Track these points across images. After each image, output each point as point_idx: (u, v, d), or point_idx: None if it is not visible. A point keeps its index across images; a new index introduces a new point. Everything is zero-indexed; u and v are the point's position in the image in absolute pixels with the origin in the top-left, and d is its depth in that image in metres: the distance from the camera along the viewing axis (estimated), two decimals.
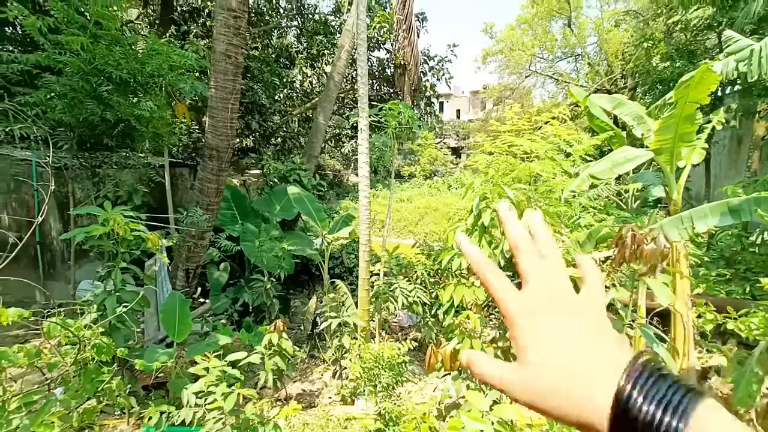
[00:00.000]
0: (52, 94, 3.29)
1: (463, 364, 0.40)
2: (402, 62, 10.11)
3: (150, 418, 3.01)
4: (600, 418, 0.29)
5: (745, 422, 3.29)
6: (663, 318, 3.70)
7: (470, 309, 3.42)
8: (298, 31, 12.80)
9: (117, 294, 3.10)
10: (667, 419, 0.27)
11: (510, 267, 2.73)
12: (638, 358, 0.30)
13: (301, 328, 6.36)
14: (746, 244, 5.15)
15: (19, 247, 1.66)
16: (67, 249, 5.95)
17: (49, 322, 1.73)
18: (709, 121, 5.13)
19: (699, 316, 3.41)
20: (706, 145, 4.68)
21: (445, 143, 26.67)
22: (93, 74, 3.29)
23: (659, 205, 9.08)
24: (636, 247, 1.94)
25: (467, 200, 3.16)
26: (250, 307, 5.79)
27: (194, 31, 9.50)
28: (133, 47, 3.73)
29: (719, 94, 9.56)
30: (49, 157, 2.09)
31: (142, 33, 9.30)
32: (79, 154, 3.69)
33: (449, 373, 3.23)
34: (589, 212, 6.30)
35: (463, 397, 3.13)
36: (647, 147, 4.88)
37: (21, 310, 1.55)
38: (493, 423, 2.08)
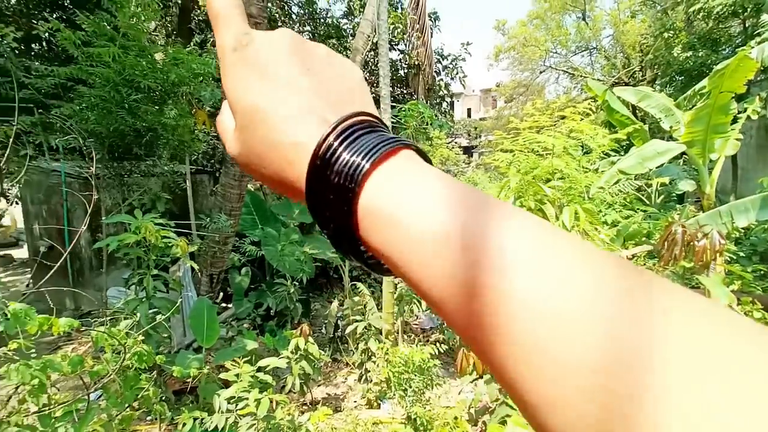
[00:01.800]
0: (84, 105, 3.37)
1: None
2: (416, 62, 10.06)
3: (184, 424, 3.03)
4: (300, 172, 0.25)
5: None
6: None
7: None
8: (311, 36, 12.89)
9: (149, 301, 3.13)
10: (358, 160, 0.24)
11: None
12: (357, 116, 0.26)
13: (323, 331, 6.36)
14: None
15: (64, 257, 1.68)
16: (95, 257, 6.09)
17: (97, 331, 1.74)
18: (741, 111, 4.92)
19: (744, 315, 3.26)
20: (741, 136, 4.50)
21: (456, 143, 26.46)
22: (122, 84, 3.36)
23: (686, 200, 8.78)
24: (687, 244, 1.85)
25: (502, 199, 3.09)
26: (273, 311, 5.82)
27: (211, 39, 9.65)
28: (153, 57, 3.80)
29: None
30: (92, 167, 2.13)
31: (160, 43, 9.49)
32: (108, 164, 3.77)
33: (481, 377, 3.17)
34: (614, 208, 6.13)
35: (497, 400, 3.06)
36: (677, 140, 4.72)
37: (72, 320, 1.56)
38: None
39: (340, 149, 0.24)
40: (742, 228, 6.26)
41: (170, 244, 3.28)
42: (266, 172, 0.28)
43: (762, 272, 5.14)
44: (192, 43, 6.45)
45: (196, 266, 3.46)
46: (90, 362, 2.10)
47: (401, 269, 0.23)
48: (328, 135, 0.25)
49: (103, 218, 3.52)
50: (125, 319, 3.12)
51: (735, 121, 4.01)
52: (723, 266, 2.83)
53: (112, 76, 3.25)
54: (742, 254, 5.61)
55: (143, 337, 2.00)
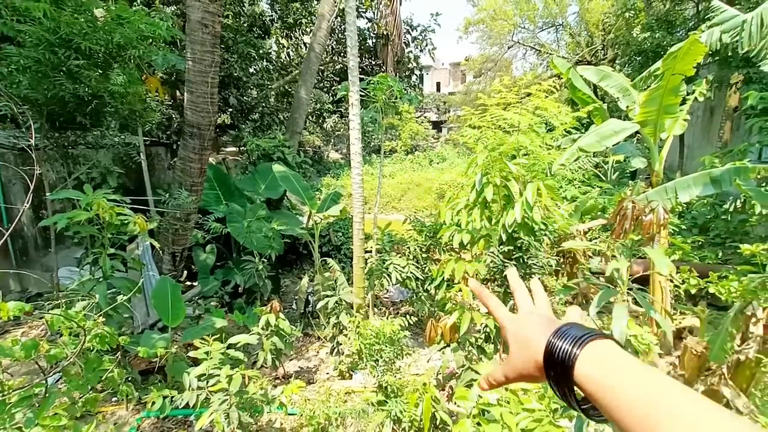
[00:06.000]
0: (14, 67, 2.97)
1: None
2: (385, 32, 9.72)
3: (153, 402, 2.98)
4: (541, 360, 0.47)
5: (717, 377, 3.59)
6: (641, 283, 3.91)
7: (461, 282, 3.50)
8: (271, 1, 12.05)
9: (107, 281, 2.97)
10: (568, 348, 0.44)
11: (510, 242, 2.79)
12: (566, 324, 0.48)
13: (293, 307, 6.36)
14: (719, 212, 5.43)
15: (4, 237, 1.53)
16: (41, 235, 5.64)
17: (52, 314, 1.64)
18: (689, 93, 5.22)
19: (683, 282, 3.62)
20: (688, 117, 4.80)
21: (425, 117, 26.36)
22: (59, 45, 2.98)
23: (638, 176, 9.38)
24: (636, 218, 2.00)
25: (470, 175, 3.15)
26: (241, 289, 5.72)
27: None
28: (92, 14, 3.39)
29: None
30: (32, 139, 1.91)
31: None
32: (49, 134, 3.40)
33: (448, 345, 3.33)
34: (574, 185, 6.44)
35: (463, 366, 3.25)
36: (632, 119, 4.97)
37: (22, 304, 1.45)
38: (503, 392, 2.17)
39: (558, 342, 0.46)
40: (685, 203, 6.84)
41: (126, 222, 3.09)
42: (521, 358, 0.51)
43: (700, 243, 5.69)
44: (138, 1, 5.83)
45: (156, 244, 3.29)
46: (45, 346, 1.99)
47: (605, 408, 0.39)
48: (551, 336, 0.47)
49: (47, 194, 3.23)
50: (81, 300, 2.95)
51: (684, 102, 4.27)
52: (666, 238, 3.09)
53: (46, 35, 2.87)
54: (683, 227, 6.16)
55: (104, 319, 1.91)
